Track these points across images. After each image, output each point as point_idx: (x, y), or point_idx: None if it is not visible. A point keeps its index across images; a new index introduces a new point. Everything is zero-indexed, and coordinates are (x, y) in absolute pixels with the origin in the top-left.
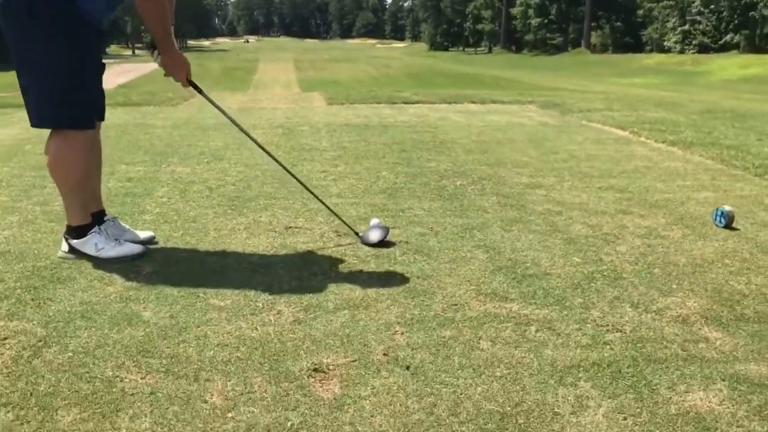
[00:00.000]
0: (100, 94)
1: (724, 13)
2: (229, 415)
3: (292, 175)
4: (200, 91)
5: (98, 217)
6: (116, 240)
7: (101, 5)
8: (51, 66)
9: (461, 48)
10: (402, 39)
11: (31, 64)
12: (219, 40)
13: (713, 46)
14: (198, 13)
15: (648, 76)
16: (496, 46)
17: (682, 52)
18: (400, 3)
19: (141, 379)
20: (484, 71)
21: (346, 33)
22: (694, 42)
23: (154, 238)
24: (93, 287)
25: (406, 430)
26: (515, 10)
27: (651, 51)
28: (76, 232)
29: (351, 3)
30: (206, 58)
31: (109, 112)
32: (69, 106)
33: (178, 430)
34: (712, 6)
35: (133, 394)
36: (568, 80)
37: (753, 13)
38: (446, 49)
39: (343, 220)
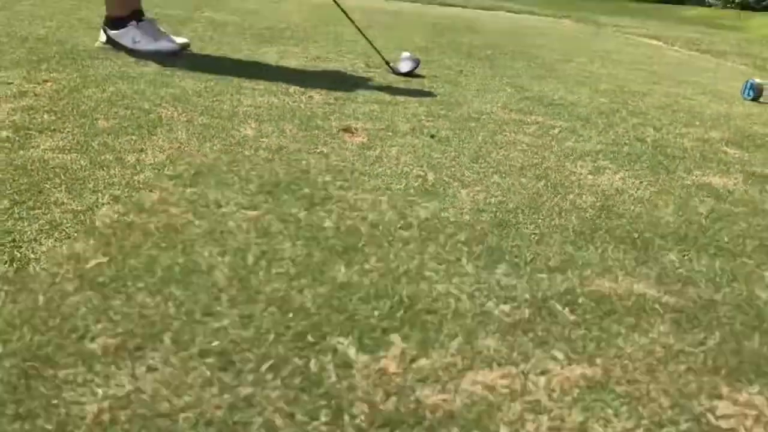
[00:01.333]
0: None
1: None
2: (262, 140)
3: (337, 4)
4: None
5: (137, 15)
6: (152, 37)
7: None
8: None
9: None
10: None
11: None
12: None
13: (756, 6)
14: None
15: (682, 29)
16: None
17: (723, 8)
18: None
19: (178, 114)
20: (521, 7)
21: None
22: (736, 1)
23: (189, 45)
24: (130, 66)
25: (430, 167)
26: None
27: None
28: (114, 23)
29: None
30: None
31: None
32: None
33: (209, 144)
34: None
35: (169, 121)
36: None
37: None
38: None
39: (376, 49)
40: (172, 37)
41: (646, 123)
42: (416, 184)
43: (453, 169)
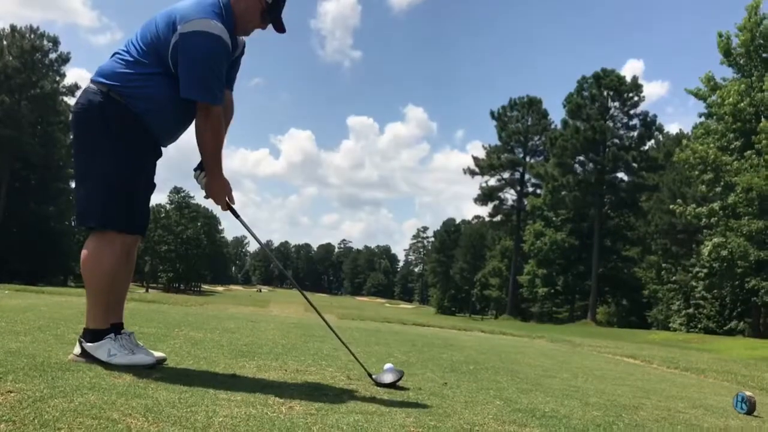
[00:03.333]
0: (146, 209)
1: (727, 299)
2: None
3: (321, 316)
4: (238, 218)
5: (116, 328)
6: (129, 350)
7: (164, 129)
8: (108, 168)
9: (468, 314)
10: (410, 301)
11: (89, 166)
12: (233, 287)
13: (718, 330)
14: (216, 261)
15: (654, 349)
16: (503, 314)
17: (687, 332)
18: (411, 267)
19: (148, 425)
20: (493, 328)
21: (356, 291)
22: (699, 325)
23: (166, 360)
24: (102, 377)
25: None
26: (522, 278)
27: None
28: (91, 335)
29: (364, 263)
30: (218, 296)
31: None
32: (115, 208)
33: None
34: (714, 291)
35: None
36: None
37: (755, 299)
38: (453, 314)
39: (359, 361)
40: (149, 351)
41: None
42: None
43: None
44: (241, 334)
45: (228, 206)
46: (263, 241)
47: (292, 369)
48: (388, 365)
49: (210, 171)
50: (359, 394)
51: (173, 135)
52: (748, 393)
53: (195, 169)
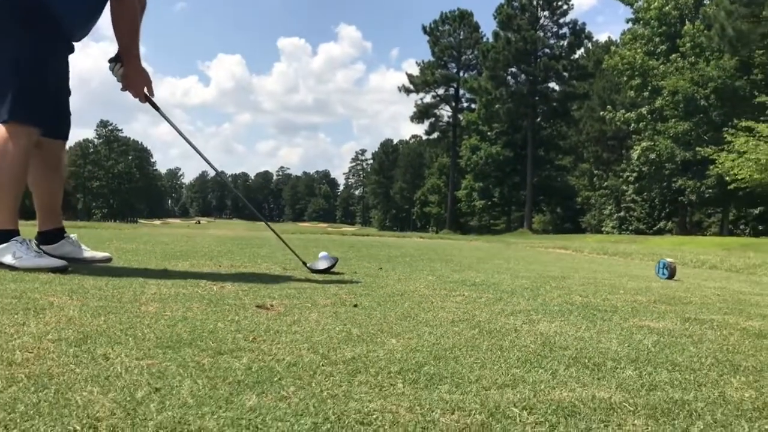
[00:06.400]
0: (64, 112)
1: (656, 200)
2: (165, 313)
3: (258, 215)
4: (157, 109)
5: (58, 234)
6: (37, 252)
7: (75, 17)
8: (15, 58)
9: (409, 232)
10: (352, 224)
11: (4, 60)
12: (170, 220)
13: (648, 231)
14: (151, 195)
15: (590, 243)
16: (443, 230)
17: (619, 234)
18: (351, 190)
19: (72, 301)
20: (431, 235)
21: (298, 217)
22: (630, 228)
23: (111, 259)
24: (26, 273)
25: (354, 324)
26: (460, 193)
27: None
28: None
29: (304, 189)
30: (154, 227)
31: None
32: (21, 100)
33: (104, 318)
34: (644, 194)
35: (62, 305)
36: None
37: (681, 198)
38: (394, 232)
39: (294, 252)
40: (94, 253)
41: (571, 293)
42: (340, 336)
43: (380, 325)
44: (175, 245)
45: (147, 98)
46: (199, 170)
47: (227, 265)
48: (322, 253)
49: (127, 60)
50: (293, 277)
51: (84, 25)
52: (669, 260)
53: (110, 61)
